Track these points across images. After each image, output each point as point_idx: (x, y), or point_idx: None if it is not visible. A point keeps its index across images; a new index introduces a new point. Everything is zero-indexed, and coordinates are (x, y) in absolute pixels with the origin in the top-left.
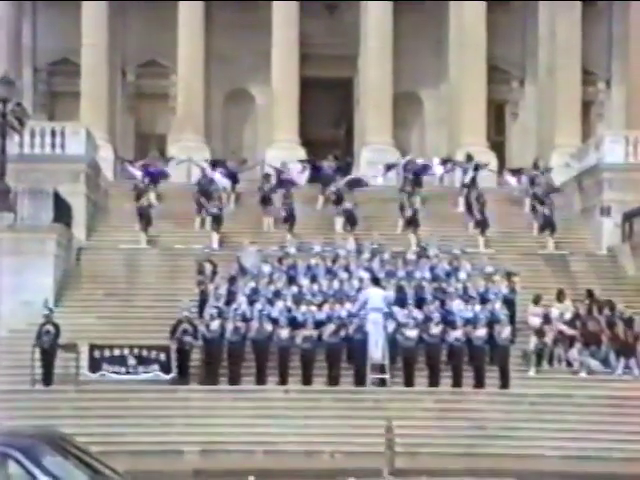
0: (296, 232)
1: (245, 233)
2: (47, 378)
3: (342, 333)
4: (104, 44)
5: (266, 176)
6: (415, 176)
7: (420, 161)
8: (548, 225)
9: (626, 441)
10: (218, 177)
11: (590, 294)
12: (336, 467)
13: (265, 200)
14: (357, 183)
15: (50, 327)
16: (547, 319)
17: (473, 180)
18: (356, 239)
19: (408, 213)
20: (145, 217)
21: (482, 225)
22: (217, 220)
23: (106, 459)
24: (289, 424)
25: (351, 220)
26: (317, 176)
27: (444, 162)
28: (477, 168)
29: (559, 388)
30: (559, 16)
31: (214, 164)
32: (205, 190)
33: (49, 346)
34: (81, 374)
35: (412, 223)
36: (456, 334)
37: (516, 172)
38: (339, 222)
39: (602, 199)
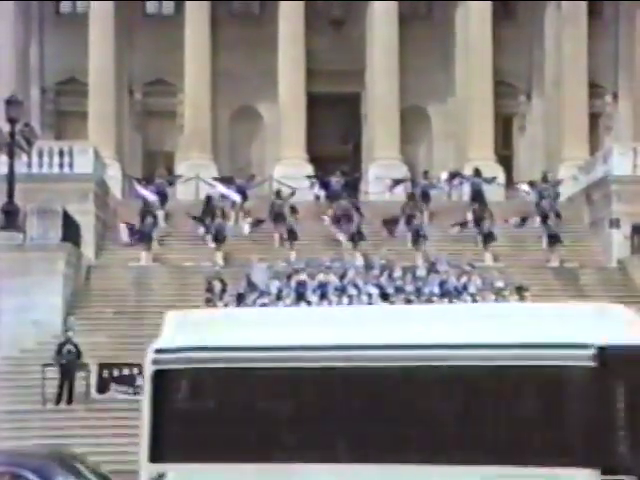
0: (304, 248)
1: (254, 250)
2: (66, 397)
3: None
4: (111, 63)
5: (277, 192)
6: (423, 191)
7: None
8: (552, 238)
9: None
10: (231, 192)
11: None
12: None
13: (277, 217)
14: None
15: (71, 347)
16: None
17: (479, 194)
18: (364, 255)
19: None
20: (147, 236)
21: (487, 239)
22: (219, 237)
23: (117, 478)
24: None
25: (358, 237)
26: (325, 192)
27: (452, 176)
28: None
29: None
30: (565, 29)
31: (222, 181)
32: (210, 208)
33: (71, 366)
34: (90, 393)
35: (419, 238)
36: None
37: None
38: (344, 238)
39: (611, 211)
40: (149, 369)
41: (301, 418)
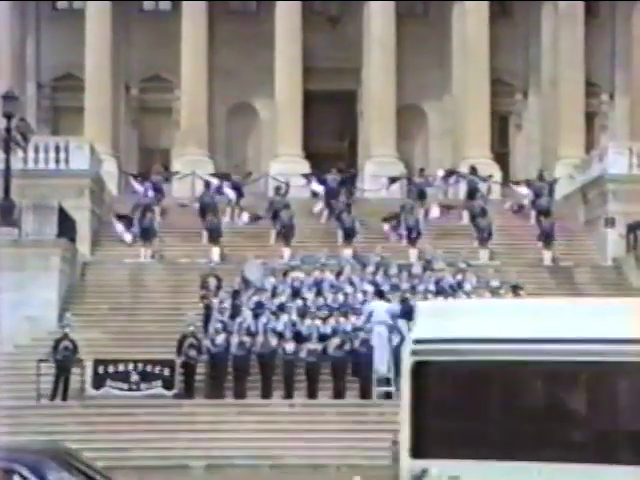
0: (300, 245)
1: (250, 246)
2: (59, 393)
3: (347, 346)
4: (107, 59)
5: (277, 189)
6: (419, 189)
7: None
8: (545, 237)
9: None
10: (227, 190)
11: None
12: None
13: (276, 213)
14: None
15: (68, 343)
16: None
17: (476, 192)
18: (355, 251)
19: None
20: (148, 232)
21: (484, 237)
22: (215, 233)
23: (112, 474)
24: (295, 438)
25: (349, 233)
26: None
27: (448, 174)
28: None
29: None
30: (562, 28)
31: (219, 177)
32: (207, 204)
33: (67, 362)
34: (85, 389)
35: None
36: None
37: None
38: (341, 235)
39: (606, 210)
40: (408, 360)
41: (578, 415)
